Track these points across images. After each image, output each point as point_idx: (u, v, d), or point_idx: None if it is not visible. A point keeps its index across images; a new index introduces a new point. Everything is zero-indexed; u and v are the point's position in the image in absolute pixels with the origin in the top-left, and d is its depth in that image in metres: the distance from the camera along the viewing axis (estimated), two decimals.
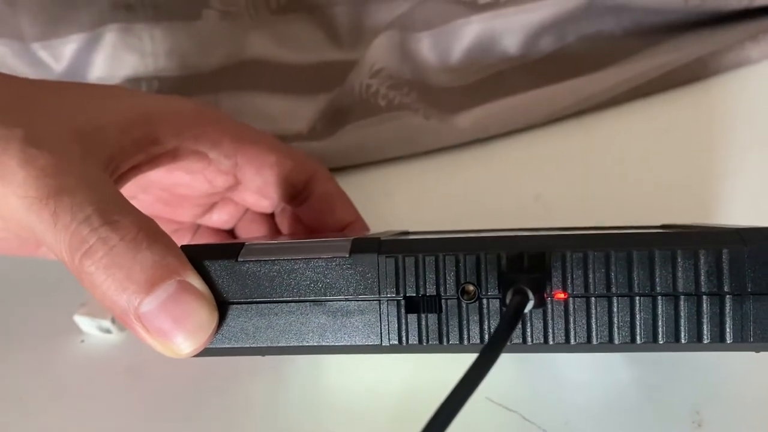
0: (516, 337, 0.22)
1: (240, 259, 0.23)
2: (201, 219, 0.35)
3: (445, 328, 0.22)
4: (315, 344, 0.23)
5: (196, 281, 0.23)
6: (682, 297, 0.21)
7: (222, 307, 0.23)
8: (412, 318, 0.22)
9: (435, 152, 0.42)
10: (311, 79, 0.46)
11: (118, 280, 0.22)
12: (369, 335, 0.23)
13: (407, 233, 0.31)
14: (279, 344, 0.23)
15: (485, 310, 0.22)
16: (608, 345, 0.22)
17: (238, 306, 0.23)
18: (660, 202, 0.37)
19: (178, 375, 0.31)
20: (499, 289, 0.22)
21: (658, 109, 0.41)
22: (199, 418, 0.30)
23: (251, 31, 0.46)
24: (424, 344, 0.22)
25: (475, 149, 0.42)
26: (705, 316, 0.21)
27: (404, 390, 0.29)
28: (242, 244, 0.24)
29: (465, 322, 0.22)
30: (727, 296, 0.21)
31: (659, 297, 0.21)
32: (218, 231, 0.36)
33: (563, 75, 0.42)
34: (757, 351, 0.22)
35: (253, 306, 0.23)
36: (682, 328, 0.21)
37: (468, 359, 0.18)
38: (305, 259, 0.23)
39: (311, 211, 0.34)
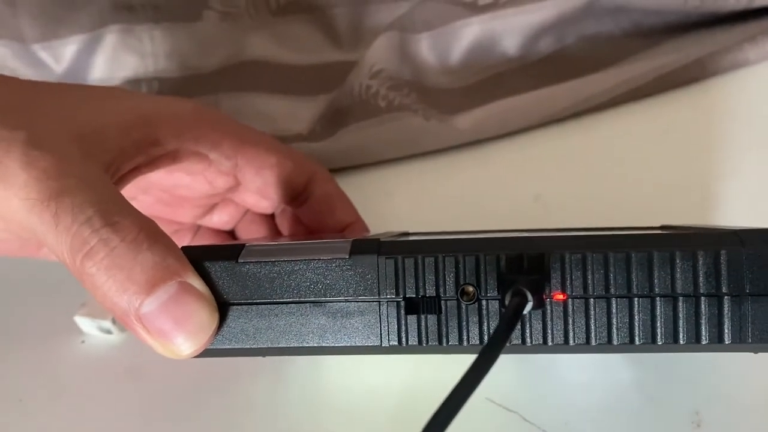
0: (515, 338, 0.22)
1: (240, 260, 0.23)
2: (201, 220, 0.35)
3: (444, 329, 0.22)
4: (315, 345, 0.23)
5: (197, 282, 0.23)
6: (681, 298, 0.21)
7: (222, 308, 0.23)
8: (412, 319, 0.22)
9: (435, 153, 0.42)
10: (311, 80, 0.46)
11: (119, 281, 0.22)
12: (369, 336, 0.23)
13: (407, 234, 0.31)
14: (279, 345, 0.23)
15: (484, 311, 0.22)
16: (607, 346, 0.22)
17: (239, 307, 0.23)
18: (659, 203, 0.37)
19: (179, 376, 0.31)
20: (499, 291, 0.22)
21: (657, 110, 0.41)
22: (199, 419, 0.30)
23: (251, 32, 0.46)
24: (424, 345, 0.22)
25: (475, 150, 0.42)
26: (703, 317, 0.21)
27: (404, 390, 0.29)
28: (243, 245, 0.24)
29: (464, 323, 0.22)
30: (726, 297, 0.21)
31: (658, 298, 0.21)
32: (219, 232, 0.36)
33: (563, 76, 0.42)
34: (756, 352, 0.22)
35: (254, 307, 0.23)
36: (681, 329, 0.21)
37: (468, 360, 0.18)
38: (305, 260, 0.23)
39: (311, 212, 0.34)
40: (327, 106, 0.44)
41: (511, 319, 0.20)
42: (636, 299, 0.21)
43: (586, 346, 0.22)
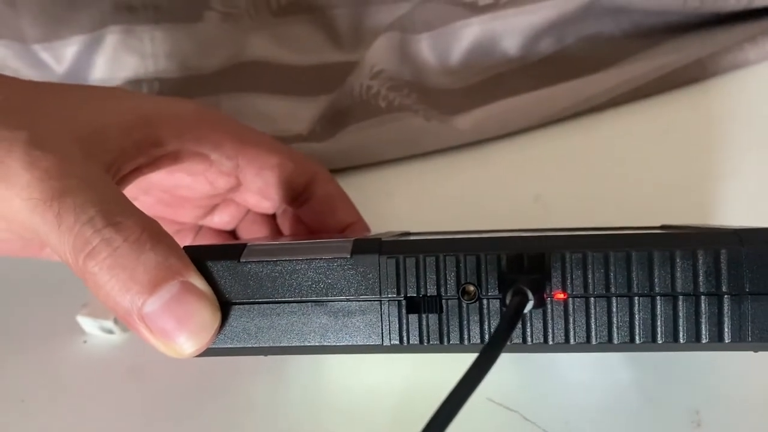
0: (516, 337, 0.22)
1: (242, 259, 0.23)
2: (203, 220, 0.35)
3: (445, 328, 0.22)
4: (316, 344, 0.23)
5: (199, 282, 0.23)
6: (681, 297, 0.21)
7: (224, 307, 0.23)
8: (413, 318, 0.22)
9: (435, 153, 0.42)
10: (311, 81, 0.46)
11: (121, 281, 0.22)
12: (370, 335, 0.23)
13: (408, 234, 0.31)
14: (281, 344, 0.23)
15: (485, 311, 0.22)
16: (607, 345, 0.22)
17: (241, 306, 0.23)
18: (659, 203, 0.37)
19: (180, 375, 0.31)
20: (499, 290, 0.22)
21: (657, 111, 0.41)
22: (200, 418, 0.30)
23: (252, 33, 0.47)
24: (425, 344, 0.22)
25: (475, 150, 0.42)
26: (703, 316, 0.21)
27: (404, 390, 0.29)
28: (244, 245, 0.24)
29: (465, 322, 0.22)
30: (726, 296, 0.21)
31: (658, 297, 0.21)
32: (220, 232, 0.36)
33: (563, 76, 0.42)
34: (756, 351, 0.22)
35: (255, 306, 0.23)
36: (681, 328, 0.21)
37: (468, 359, 0.19)
38: (307, 259, 0.23)
39: (312, 213, 0.34)
40: (327, 106, 0.44)
41: (512, 318, 0.20)
42: (636, 298, 0.22)
43: (586, 345, 0.22)
